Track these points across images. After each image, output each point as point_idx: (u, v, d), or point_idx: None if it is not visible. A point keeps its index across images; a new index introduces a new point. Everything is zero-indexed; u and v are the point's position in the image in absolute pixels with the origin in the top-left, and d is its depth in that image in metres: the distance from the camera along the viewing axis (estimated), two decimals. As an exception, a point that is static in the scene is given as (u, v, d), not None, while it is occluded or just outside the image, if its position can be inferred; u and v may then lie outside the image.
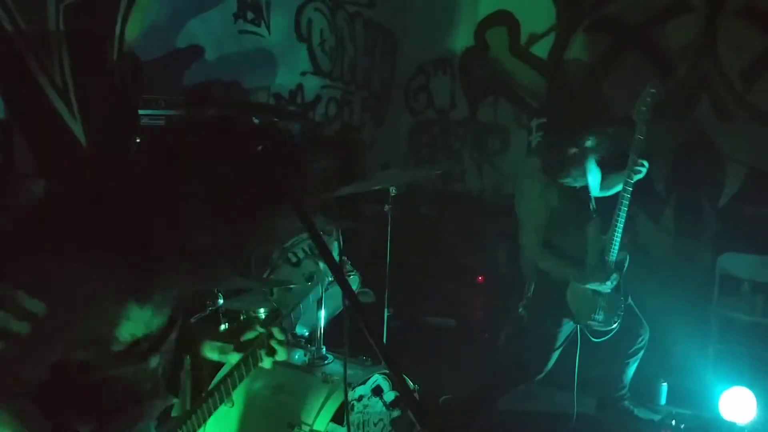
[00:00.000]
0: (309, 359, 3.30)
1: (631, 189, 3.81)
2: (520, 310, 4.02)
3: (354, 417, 3.12)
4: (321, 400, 3.03)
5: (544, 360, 3.98)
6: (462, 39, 6.66)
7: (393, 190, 3.74)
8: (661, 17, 5.64)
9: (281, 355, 1.97)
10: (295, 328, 3.60)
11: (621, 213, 3.81)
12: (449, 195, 6.84)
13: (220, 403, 1.93)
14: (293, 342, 3.35)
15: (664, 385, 4.66)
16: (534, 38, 6.33)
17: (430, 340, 5.57)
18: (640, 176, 3.84)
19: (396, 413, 3.07)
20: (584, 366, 4.14)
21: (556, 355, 4.00)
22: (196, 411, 1.91)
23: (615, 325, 3.86)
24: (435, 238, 6.57)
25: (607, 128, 3.93)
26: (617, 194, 3.89)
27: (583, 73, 6.07)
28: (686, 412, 4.49)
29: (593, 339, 3.85)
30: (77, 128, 4.55)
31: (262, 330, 1.98)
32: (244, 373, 1.95)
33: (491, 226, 6.36)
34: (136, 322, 1.58)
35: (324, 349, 3.39)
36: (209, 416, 1.95)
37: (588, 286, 3.79)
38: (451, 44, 6.71)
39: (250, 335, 1.99)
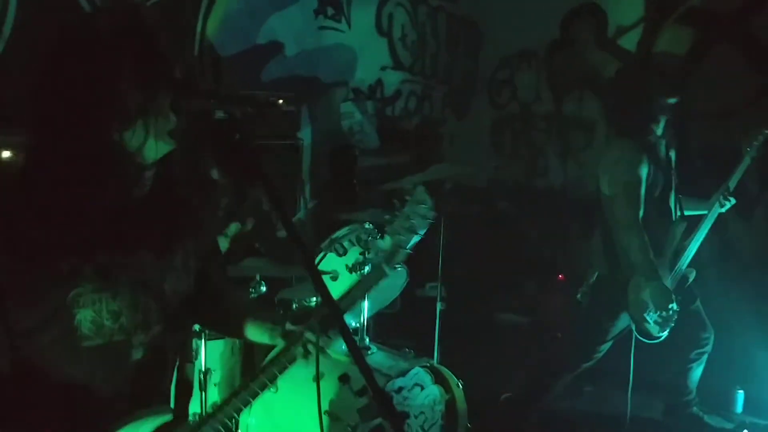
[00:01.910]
0: (352, 349, 3.34)
1: (713, 219, 3.86)
2: (579, 296, 3.98)
3: (393, 408, 3.16)
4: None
5: (594, 349, 3.94)
6: (548, 31, 6.52)
7: (448, 183, 3.70)
8: (754, 7, 5.34)
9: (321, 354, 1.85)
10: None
11: (700, 234, 3.83)
12: (531, 190, 6.73)
13: (261, 391, 1.84)
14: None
15: (741, 392, 4.46)
16: (622, 30, 6.13)
17: (499, 338, 5.52)
18: (724, 209, 3.88)
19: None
20: (648, 368, 4.02)
21: (606, 346, 3.94)
22: (237, 395, 1.82)
23: (665, 333, 3.71)
24: (514, 234, 6.48)
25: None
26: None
27: (673, 66, 5.83)
28: (762, 422, 4.27)
29: (642, 339, 3.72)
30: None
31: (296, 328, 1.87)
32: (286, 363, 1.87)
33: (574, 223, 6.22)
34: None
35: (367, 340, 3.44)
36: (251, 402, 1.85)
37: (649, 295, 3.65)
38: (536, 37, 6.58)
39: (290, 327, 1.89)
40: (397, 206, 1.79)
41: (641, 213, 3.65)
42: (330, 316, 1.81)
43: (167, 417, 1.69)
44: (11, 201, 1.51)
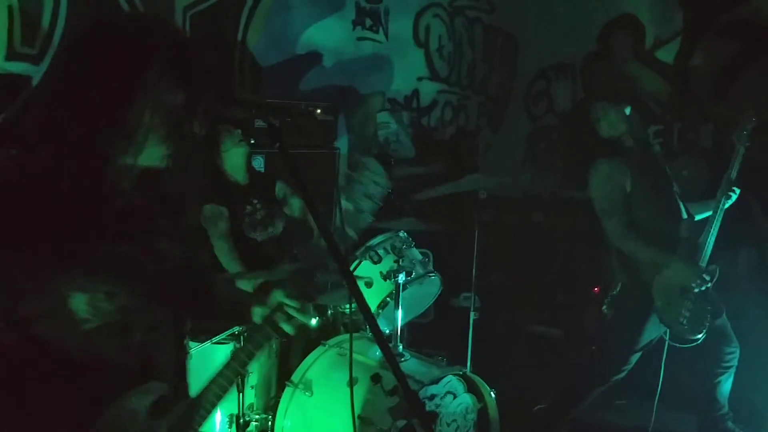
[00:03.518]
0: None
1: (722, 214, 3.81)
2: (604, 308, 3.98)
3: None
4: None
5: (624, 361, 3.91)
6: (585, 43, 6.52)
7: (483, 193, 3.73)
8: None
9: (303, 318, 1.85)
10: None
11: (711, 229, 3.78)
12: (566, 202, 6.72)
13: (229, 384, 1.86)
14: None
15: (777, 408, 4.38)
16: (659, 43, 6.12)
17: (532, 349, 5.51)
18: (730, 202, 3.84)
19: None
20: (678, 382, 4.00)
21: (635, 357, 3.91)
22: (208, 390, 1.85)
23: (701, 335, 3.70)
24: (549, 246, 6.47)
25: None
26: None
27: (710, 79, 5.80)
28: (798, 440, 4.21)
29: (677, 344, 3.71)
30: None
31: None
32: (253, 349, 1.87)
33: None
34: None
35: (401, 347, 3.47)
36: (228, 388, 1.87)
37: (678, 272, 3.68)
38: (573, 48, 6.59)
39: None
40: (350, 175, 1.85)
41: (633, 218, 3.75)
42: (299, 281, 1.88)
43: (161, 392, 1.73)
44: (13, 195, 1.57)
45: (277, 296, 1.85)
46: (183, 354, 1.88)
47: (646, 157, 4.02)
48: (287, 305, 1.84)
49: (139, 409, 1.67)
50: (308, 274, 1.89)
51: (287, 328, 1.86)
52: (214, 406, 1.84)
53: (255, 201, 3.80)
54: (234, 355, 1.89)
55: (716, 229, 3.79)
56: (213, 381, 1.85)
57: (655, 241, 3.74)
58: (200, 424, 1.84)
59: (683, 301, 3.69)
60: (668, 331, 3.75)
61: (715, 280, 3.75)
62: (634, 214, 3.79)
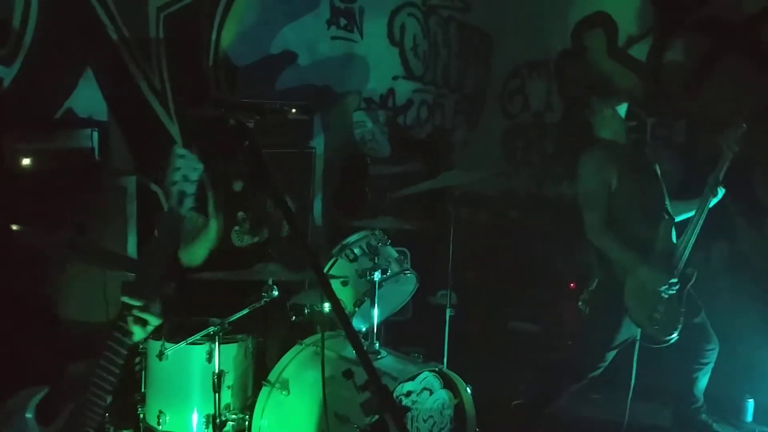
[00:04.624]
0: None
1: (706, 213, 3.83)
2: (580, 304, 4.01)
3: (401, 412, 3.20)
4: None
5: (599, 358, 3.93)
6: (558, 41, 6.56)
7: (456, 193, 3.75)
8: (765, 16, 5.36)
9: (148, 317, 1.95)
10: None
11: (695, 229, 3.80)
12: (542, 199, 6.77)
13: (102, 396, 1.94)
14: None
15: (751, 401, 4.46)
16: (632, 40, 6.16)
17: (509, 345, 5.55)
18: (715, 200, 3.87)
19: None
20: (654, 376, 4.05)
21: (611, 355, 3.93)
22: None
23: (674, 336, 3.73)
24: (525, 243, 6.51)
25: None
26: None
27: (683, 76, 5.86)
28: (770, 431, 4.28)
29: (649, 344, 3.75)
30: (174, 130, 4.87)
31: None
32: (114, 357, 1.94)
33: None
34: None
35: (377, 345, 3.49)
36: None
37: (645, 278, 3.70)
38: (547, 46, 6.62)
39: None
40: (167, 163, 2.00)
41: (614, 215, 3.77)
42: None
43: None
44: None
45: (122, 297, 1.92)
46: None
47: (638, 157, 4.01)
48: (131, 305, 1.91)
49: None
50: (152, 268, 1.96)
51: (137, 331, 1.94)
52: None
53: (244, 211, 3.78)
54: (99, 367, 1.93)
55: (698, 229, 3.81)
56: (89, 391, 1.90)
57: (633, 242, 3.74)
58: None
59: (655, 303, 3.71)
60: (640, 331, 3.78)
61: (692, 282, 3.80)
62: (616, 211, 3.80)
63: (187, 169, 1.97)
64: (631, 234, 3.77)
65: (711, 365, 4.06)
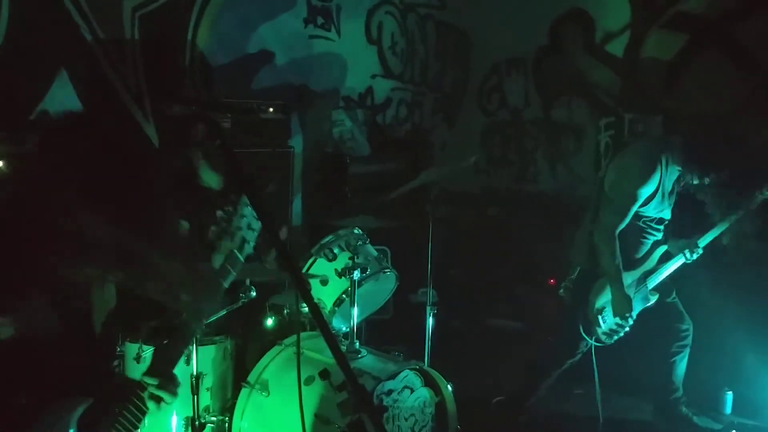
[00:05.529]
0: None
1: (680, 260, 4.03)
2: (561, 291, 4.04)
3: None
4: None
5: (577, 344, 4.00)
6: (536, 37, 6.57)
7: (434, 191, 3.75)
8: (741, 11, 5.40)
9: (164, 394, 2.02)
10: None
11: (669, 267, 4.01)
12: (521, 196, 6.78)
13: None
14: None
15: (729, 393, 4.49)
16: (609, 36, 6.19)
17: (493, 342, 5.55)
18: (690, 261, 4.03)
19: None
20: (635, 369, 4.08)
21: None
22: None
23: (610, 341, 3.90)
24: (506, 240, 6.52)
25: None
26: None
27: (659, 71, 5.89)
28: (750, 423, 4.32)
29: (586, 338, 3.88)
30: (150, 130, 4.82)
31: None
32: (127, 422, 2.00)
33: (565, 228, 6.26)
34: None
35: (357, 344, 3.47)
36: None
37: (614, 297, 3.80)
38: (524, 43, 6.63)
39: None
40: (230, 212, 2.14)
41: (623, 225, 3.78)
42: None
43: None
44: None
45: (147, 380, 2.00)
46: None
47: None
48: (148, 384, 1.99)
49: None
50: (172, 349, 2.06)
51: (152, 406, 2.02)
52: None
53: (225, 209, 3.73)
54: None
55: (669, 269, 4.00)
56: None
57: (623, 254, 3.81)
58: None
59: (603, 314, 3.84)
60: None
61: (650, 304, 3.97)
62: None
63: (251, 218, 2.08)
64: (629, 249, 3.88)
65: (688, 348, 4.12)
